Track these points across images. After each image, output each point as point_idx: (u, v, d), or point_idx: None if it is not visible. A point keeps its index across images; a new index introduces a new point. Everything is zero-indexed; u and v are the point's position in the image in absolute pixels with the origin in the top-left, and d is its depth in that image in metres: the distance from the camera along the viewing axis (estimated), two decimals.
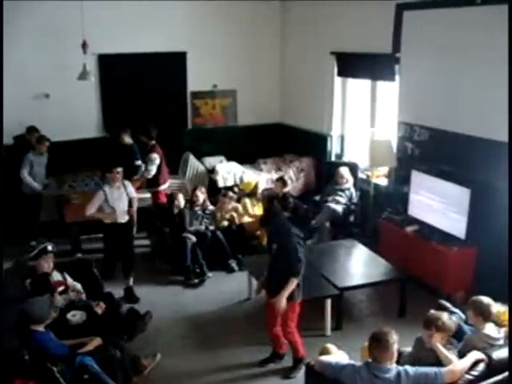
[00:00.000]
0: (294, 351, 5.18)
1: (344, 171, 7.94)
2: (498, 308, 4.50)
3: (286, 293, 4.75)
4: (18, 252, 6.30)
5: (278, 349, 5.26)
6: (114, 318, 5.43)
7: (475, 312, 4.26)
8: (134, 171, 7.57)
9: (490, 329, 4.22)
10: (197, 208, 7.52)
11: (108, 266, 6.84)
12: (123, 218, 6.53)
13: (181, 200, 7.48)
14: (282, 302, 4.77)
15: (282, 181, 7.95)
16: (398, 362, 3.92)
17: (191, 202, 7.59)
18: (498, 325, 4.33)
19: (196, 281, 6.97)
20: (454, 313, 4.62)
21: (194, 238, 7.15)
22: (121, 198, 6.49)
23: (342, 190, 7.87)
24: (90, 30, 7.28)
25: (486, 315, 4.22)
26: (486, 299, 4.29)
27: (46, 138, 7.68)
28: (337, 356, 4.21)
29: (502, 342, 4.18)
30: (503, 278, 5.04)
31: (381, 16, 7.33)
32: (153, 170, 7.64)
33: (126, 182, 6.67)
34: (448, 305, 4.88)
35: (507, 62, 5.50)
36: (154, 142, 7.79)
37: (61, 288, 5.43)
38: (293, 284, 4.75)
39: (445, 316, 4.12)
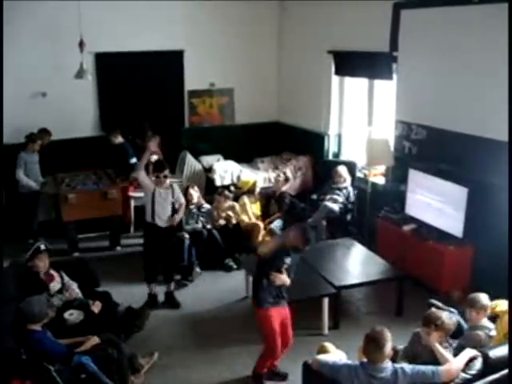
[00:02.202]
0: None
1: (342, 170, 7.94)
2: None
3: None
4: (16, 251, 6.29)
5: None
6: (111, 317, 5.43)
7: (479, 309, 4.30)
8: (129, 170, 7.56)
9: (487, 321, 4.33)
10: (191, 207, 7.51)
11: (149, 269, 6.36)
12: (163, 223, 6.15)
13: None
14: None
15: (284, 176, 7.94)
16: (394, 361, 3.93)
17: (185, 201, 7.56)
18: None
19: (188, 280, 7.01)
20: (451, 312, 4.62)
21: (187, 236, 7.15)
22: (166, 200, 6.13)
23: (340, 189, 7.87)
24: (86, 29, 7.26)
25: (483, 312, 4.30)
26: (483, 296, 4.36)
27: (39, 136, 7.66)
28: (335, 355, 4.21)
29: (494, 332, 4.28)
30: (500, 277, 5.05)
31: (378, 15, 7.32)
32: None
33: (175, 186, 6.36)
34: (439, 303, 4.88)
35: (507, 60, 5.48)
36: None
37: (54, 282, 5.41)
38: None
39: (445, 316, 4.13)
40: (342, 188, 7.89)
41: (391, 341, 3.66)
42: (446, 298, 5.93)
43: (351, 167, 8.13)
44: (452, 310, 4.61)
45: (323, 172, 8.56)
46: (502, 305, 4.61)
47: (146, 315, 5.97)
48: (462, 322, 4.46)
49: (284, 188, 7.97)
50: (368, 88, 8.10)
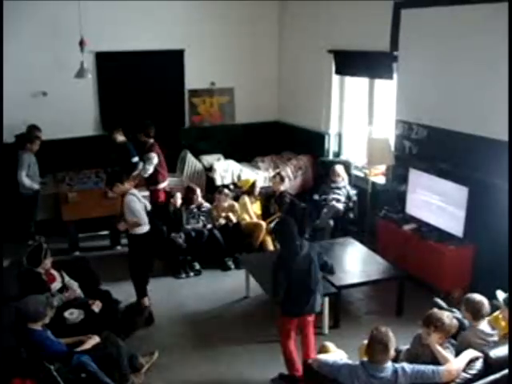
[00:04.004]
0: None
1: (340, 169, 7.98)
2: (497, 312, 4.50)
3: None
4: (15, 251, 6.29)
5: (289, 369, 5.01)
6: (112, 316, 5.43)
7: (467, 309, 4.28)
8: (131, 168, 7.56)
9: (484, 325, 4.24)
10: (192, 206, 7.52)
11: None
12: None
13: (178, 199, 7.47)
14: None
15: (279, 176, 7.96)
16: (395, 361, 3.93)
17: (189, 201, 7.56)
18: (492, 325, 4.34)
19: (184, 275, 7.09)
20: (452, 311, 4.62)
21: (181, 240, 7.17)
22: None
23: (339, 188, 7.91)
24: (87, 28, 7.27)
25: (474, 313, 4.23)
26: (478, 297, 4.30)
27: (37, 136, 7.65)
28: (335, 354, 4.20)
29: (495, 338, 4.20)
30: (501, 276, 5.05)
31: (378, 14, 7.32)
32: (150, 169, 7.65)
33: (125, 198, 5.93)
34: (443, 303, 4.87)
35: (507, 60, 5.48)
36: (152, 140, 7.79)
37: (55, 283, 5.42)
38: None
39: (446, 316, 4.09)
40: (341, 187, 7.93)
41: (394, 341, 3.67)
42: (447, 297, 5.94)
43: (346, 166, 8.19)
44: (453, 309, 4.61)
45: (320, 172, 8.61)
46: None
47: (145, 314, 5.97)
48: (466, 322, 4.45)
49: (283, 187, 7.96)
50: (368, 87, 8.10)
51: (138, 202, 5.87)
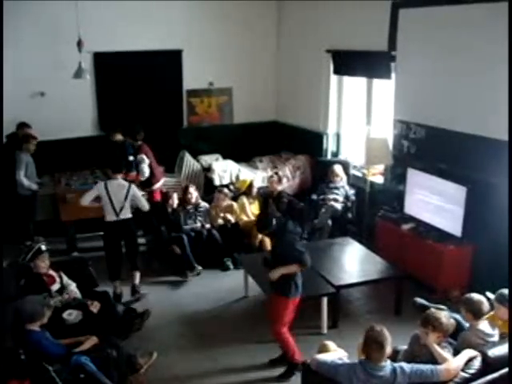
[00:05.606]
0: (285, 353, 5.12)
1: (338, 169, 7.99)
2: (491, 312, 4.50)
3: (283, 269, 4.78)
4: (14, 252, 6.27)
5: (292, 356, 5.04)
6: (110, 317, 5.42)
7: (466, 309, 4.28)
8: (128, 166, 7.55)
9: (484, 325, 4.23)
10: (189, 207, 7.51)
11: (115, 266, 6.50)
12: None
13: (175, 200, 7.47)
14: (275, 274, 4.82)
15: (277, 176, 7.96)
16: (394, 360, 3.93)
17: (184, 201, 7.56)
18: (492, 325, 4.34)
19: (189, 278, 7.05)
20: (440, 309, 4.61)
21: (178, 249, 7.17)
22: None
23: (337, 188, 7.91)
24: (85, 28, 7.26)
25: (475, 313, 4.22)
26: (477, 297, 4.30)
27: (32, 135, 7.62)
28: (335, 353, 4.18)
29: (496, 338, 4.19)
30: (499, 276, 5.05)
31: (376, 14, 7.32)
32: (146, 170, 7.63)
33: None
34: (425, 302, 4.88)
35: (506, 59, 5.48)
36: (140, 142, 7.79)
37: (55, 284, 5.41)
38: (293, 268, 4.79)
39: (443, 316, 4.09)
40: (340, 187, 7.94)
41: (390, 339, 3.67)
42: (445, 297, 5.95)
43: (345, 166, 8.20)
44: (442, 306, 4.61)
45: (318, 172, 8.61)
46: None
47: (145, 315, 5.96)
48: (463, 321, 4.45)
49: (280, 187, 7.96)
50: (367, 87, 8.10)
51: (98, 190, 6.21)
